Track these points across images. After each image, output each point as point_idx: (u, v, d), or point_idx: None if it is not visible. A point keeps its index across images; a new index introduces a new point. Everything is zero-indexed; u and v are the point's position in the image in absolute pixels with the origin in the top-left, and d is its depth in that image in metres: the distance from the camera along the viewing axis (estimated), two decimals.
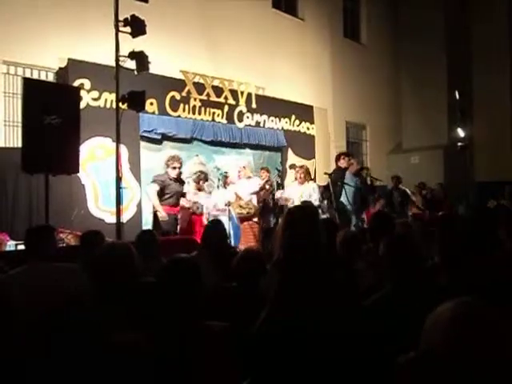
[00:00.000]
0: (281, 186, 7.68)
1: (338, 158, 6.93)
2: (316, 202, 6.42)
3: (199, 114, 7.86)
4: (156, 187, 5.85)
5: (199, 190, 6.55)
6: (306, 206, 2.57)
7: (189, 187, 6.60)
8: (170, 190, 5.91)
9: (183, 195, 6.26)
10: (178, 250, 3.13)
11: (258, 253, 2.53)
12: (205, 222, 6.23)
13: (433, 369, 0.89)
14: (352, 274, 1.57)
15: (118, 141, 5.07)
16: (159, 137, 7.54)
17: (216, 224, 3.62)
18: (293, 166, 8.98)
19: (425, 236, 2.94)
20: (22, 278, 2.45)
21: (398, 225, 3.17)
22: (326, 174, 6.79)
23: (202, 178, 6.59)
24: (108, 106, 6.56)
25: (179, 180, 6.06)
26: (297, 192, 6.68)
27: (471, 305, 0.93)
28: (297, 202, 6.32)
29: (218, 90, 8.03)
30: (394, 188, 8.90)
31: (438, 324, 0.92)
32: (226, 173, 7.15)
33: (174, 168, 5.91)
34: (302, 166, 7.12)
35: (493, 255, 2.56)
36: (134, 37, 4.97)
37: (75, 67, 6.47)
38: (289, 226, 1.67)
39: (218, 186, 7.08)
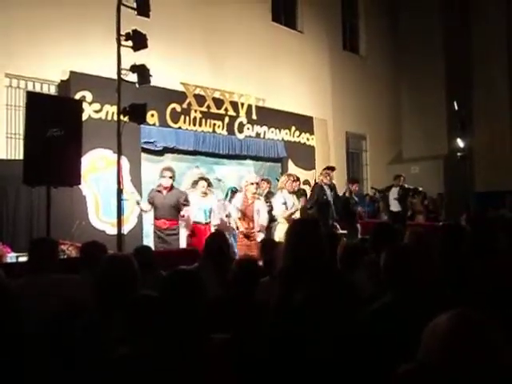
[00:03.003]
0: None
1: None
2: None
3: (200, 125, 7.91)
4: (147, 205, 5.82)
5: (204, 194, 6.44)
6: (308, 219, 2.61)
7: (193, 196, 6.44)
8: (156, 201, 5.73)
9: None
10: (179, 261, 3.15)
11: (253, 261, 2.54)
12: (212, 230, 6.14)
13: (430, 379, 0.89)
14: (351, 284, 1.58)
15: (119, 152, 5.10)
16: (160, 148, 7.58)
17: (218, 235, 3.62)
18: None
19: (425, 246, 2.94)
20: (22, 290, 2.45)
21: (409, 233, 3.14)
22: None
23: (199, 180, 6.56)
24: (109, 118, 6.61)
25: (170, 189, 5.76)
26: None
27: (468, 315, 0.94)
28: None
29: (219, 102, 8.10)
30: (394, 185, 8.72)
31: (435, 334, 0.93)
32: (235, 188, 7.11)
33: (164, 177, 5.74)
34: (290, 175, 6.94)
35: (493, 264, 2.57)
36: (135, 50, 5.03)
37: (77, 80, 6.54)
38: (292, 238, 1.70)
39: (228, 199, 7.04)
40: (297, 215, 6.33)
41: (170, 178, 5.77)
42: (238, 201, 6.31)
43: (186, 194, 6.11)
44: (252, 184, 6.28)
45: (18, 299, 1.58)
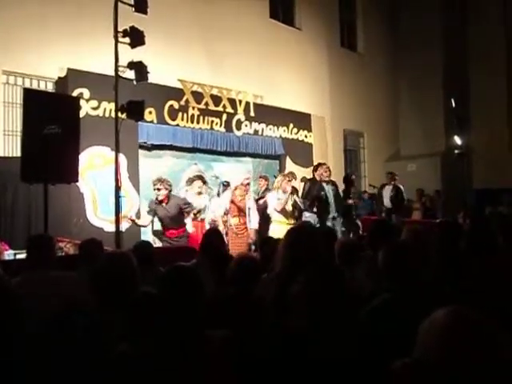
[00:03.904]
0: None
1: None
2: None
3: (198, 122, 7.89)
4: (150, 218, 5.74)
5: (199, 193, 6.49)
6: (305, 226, 2.65)
7: (188, 195, 6.53)
8: (160, 214, 5.66)
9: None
10: (176, 258, 3.15)
11: (253, 259, 2.54)
12: (206, 226, 6.22)
13: (427, 375, 0.90)
14: (349, 282, 1.60)
15: (117, 150, 5.09)
16: (158, 146, 7.57)
17: (214, 232, 3.63)
18: (292, 173, 9.03)
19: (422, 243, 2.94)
20: (20, 287, 2.45)
21: (406, 230, 3.15)
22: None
23: (195, 179, 6.56)
24: (107, 115, 6.59)
25: (168, 200, 5.62)
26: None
27: (465, 312, 0.95)
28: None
29: (217, 99, 8.08)
30: (388, 183, 8.83)
31: (431, 330, 0.94)
32: (226, 182, 7.15)
33: (158, 189, 5.54)
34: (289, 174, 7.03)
35: (491, 261, 2.58)
36: (133, 47, 5.02)
37: (74, 77, 6.51)
38: (289, 244, 1.77)
39: (218, 194, 7.07)
40: (289, 207, 6.35)
41: (165, 189, 5.56)
42: (228, 197, 6.41)
43: (185, 198, 6.10)
44: (243, 185, 6.39)
45: (19, 299, 1.57)
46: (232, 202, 6.40)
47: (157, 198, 5.64)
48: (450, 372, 0.89)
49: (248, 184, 6.78)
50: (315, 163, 9.84)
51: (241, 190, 6.42)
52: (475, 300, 1.98)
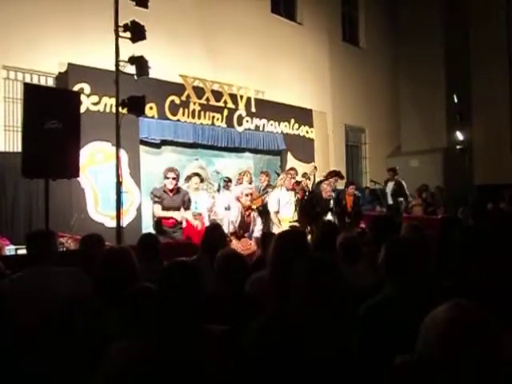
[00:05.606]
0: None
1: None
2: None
3: (199, 118, 7.88)
4: (158, 206, 5.70)
5: (196, 189, 6.48)
6: (294, 230, 2.67)
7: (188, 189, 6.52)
8: (165, 203, 5.68)
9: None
10: (177, 254, 3.15)
11: (238, 254, 2.54)
12: (205, 223, 6.18)
13: (428, 371, 0.90)
14: (349, 279, 1.59)
15: (117, 145, 5.08)
16: (159, 141, 7.56)
17: (216, 228, 3.63)
18: (293, 169, 9.01)
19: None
20: (21, 283, 2.46)
21: (406, 226, 3.14)
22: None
23: (192, 176, 6.56)
24: (108, 110, 6.58)
25: (176, 191, 5.74)
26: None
27: (466, 307, 0.94)
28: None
29: (218, 94, 8.06)
30: (390, 179, 8.84)
31: (433, 326, 0.93)
32: (227, 178, 7.14)
33: (168, 178, 5.64)
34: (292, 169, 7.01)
35: (491, 257, 2.58)
36: (133, 42, 4.99)
37: (75, 72, 6.50)
38: (278, 249, 1.80)
39: (218, 190, 7.06)
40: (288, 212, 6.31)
41: (174, 179, 5.65)
42: (229, 196, 6.37)
43: (188, 194, 6.12)
44: (247, 195, 6.20)
45: (8, 300, 1.58)
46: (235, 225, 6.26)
47: (165, 186, 5.68)
48: (451, 368, 0.89)
49: (252, 194, 6.62)
50: (316, 159, 9.86)
51: (245, 202, 6.19)
52: (476, 296, 1.97)
